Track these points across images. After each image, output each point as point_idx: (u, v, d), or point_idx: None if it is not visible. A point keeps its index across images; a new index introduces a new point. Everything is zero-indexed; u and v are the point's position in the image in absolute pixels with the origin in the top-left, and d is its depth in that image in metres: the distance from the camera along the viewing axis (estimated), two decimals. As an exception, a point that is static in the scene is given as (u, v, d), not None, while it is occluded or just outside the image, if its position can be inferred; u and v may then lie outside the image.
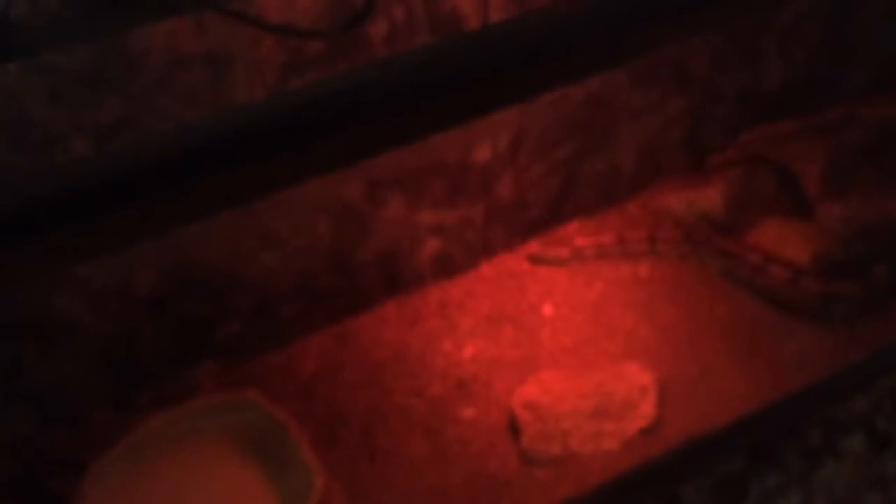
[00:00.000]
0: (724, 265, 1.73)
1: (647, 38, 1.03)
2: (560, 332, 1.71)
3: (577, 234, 1.88)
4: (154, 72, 1.32)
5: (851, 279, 1.61)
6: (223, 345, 1.72)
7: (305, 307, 1.77)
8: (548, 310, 1.75)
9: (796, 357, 1.60)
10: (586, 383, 1.52)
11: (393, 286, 1.84)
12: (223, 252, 1.61)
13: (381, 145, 1.01)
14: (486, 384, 1.61)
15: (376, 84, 1.03)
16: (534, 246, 1.86)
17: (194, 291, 1.63)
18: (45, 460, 1.55)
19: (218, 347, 1.72)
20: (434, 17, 1.48)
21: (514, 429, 1.50)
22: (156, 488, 1.43)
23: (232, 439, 1.49)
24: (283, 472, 1.40)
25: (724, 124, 2.01)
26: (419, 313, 1.79)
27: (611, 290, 1.79)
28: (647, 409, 1.47)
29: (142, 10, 1.23)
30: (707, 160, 1.96)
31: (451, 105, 1.13)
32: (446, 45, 1.15)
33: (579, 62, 1.03)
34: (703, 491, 1.74)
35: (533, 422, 1.48)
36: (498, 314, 1.76)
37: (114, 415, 1.62)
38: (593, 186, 1.95)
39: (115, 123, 1.32)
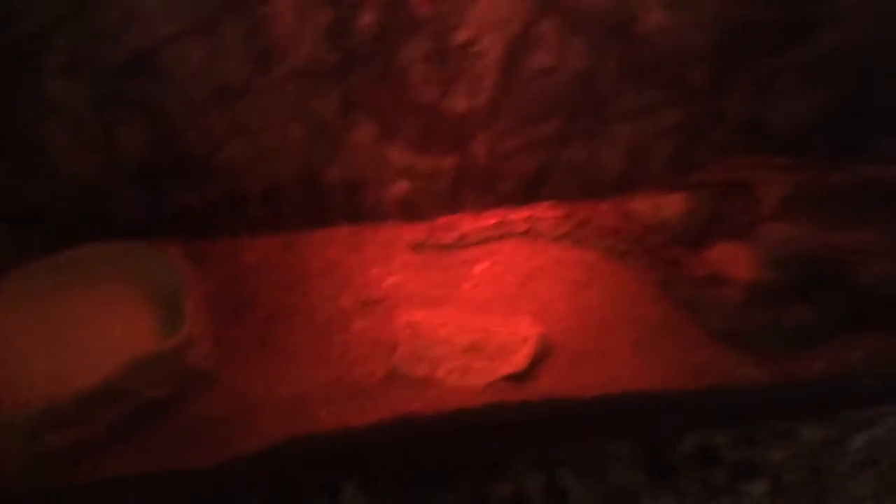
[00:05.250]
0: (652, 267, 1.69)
1: None
2: (483, 286, 1.68)
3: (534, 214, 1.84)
4: None
5: (771, 309, 1.53)
6: (185, 222, 1.79)
7: (269, 212, 1.82)
8: (481, 268, 1.74)
9: (696, 365, 1.53)
10: (473, 320, 1.49)
11: (354, 214, 1.87)
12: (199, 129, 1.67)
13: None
14: (391, 307, 1.61)
15: None
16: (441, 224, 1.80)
17: (172, 165, 1.70)
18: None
19: (179, 224, 1.78)
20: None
21: (393, 345, 1.49)
22: (59, 302, 1.49)
23: (144, 284, 1.54)
24: (174, 320, 1.44)
25: (721, 148, 1.95)
26: (365, 242, 1.81)
27: (550, 266, 1.76)
28: (519, 359, 1.43)
29: None
30: (690, 176, 1.90)
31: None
32: None
33: None
34: (595, 495, 1.68)
35: (408, 340, 1.46)
36: (435, 260, 1.76)
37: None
38: (572, 175, 1.93)
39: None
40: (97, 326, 1.46)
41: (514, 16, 1.60)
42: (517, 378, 1.41)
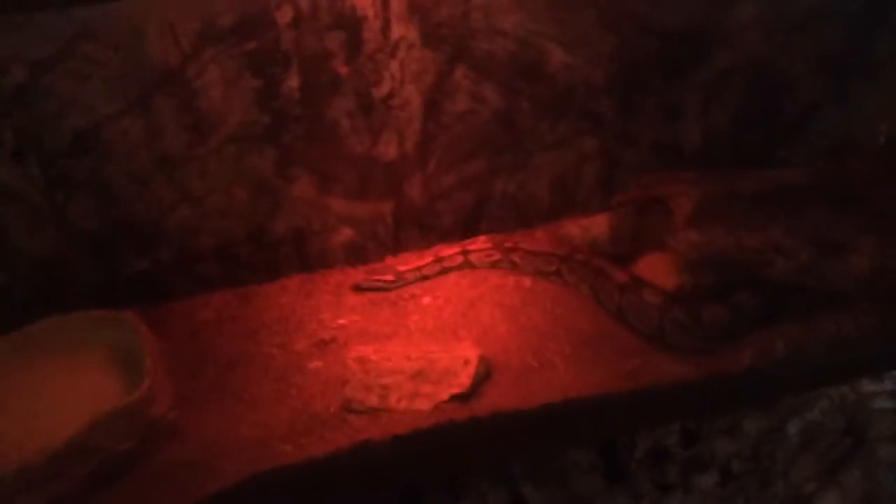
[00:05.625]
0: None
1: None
2: (428, 317, 1.78)
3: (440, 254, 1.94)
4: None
5: (689, 309, 1.63)
6: (141, 288, 1.86)
7: (222, 270, 1.91)
8: (427, 301, 1.84)
9: (632, 370, 1.62)
10: (417, 350, 1.58)
11: (304, 264, 1.96)
12: (146, 198, 1.77)
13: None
14: (342, 346, 1.69)
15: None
16: (361, 274, 1.91)
17: (124, 235, 1.78)
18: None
19: (136, 290, 1.86)
20: (336, 13, 1.64)
21: (345, 380, 1.57)
22: (24, 375, 1.56)
23: (106, 350, 1.62)
24: (137, 379, 1.50)
25: (639, 169, 2.07)
26: (316, 288, 1.90)
27: (490, 293, 1.86)
28: (463, 379, 1.52)
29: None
30: (613, 198, 2.02)
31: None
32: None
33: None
34: (554, 501, 1.76)
35: (359, 374, 1.55)
36: (382, 298, 1.85)
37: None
38: (505, 208, 2.04)
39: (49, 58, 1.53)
40: (64, 394, 1.53)
41: (429, 67, 1.73)
42: (463, 398, 1.50)
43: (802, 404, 1.81)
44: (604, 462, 1.89)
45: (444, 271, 1.85)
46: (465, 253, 1.85)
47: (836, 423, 1.82)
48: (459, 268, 1.87)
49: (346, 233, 1.94)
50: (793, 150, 2.15)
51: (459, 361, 1.53)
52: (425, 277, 1.84)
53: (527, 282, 1.87)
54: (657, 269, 1.77)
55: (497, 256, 1.85)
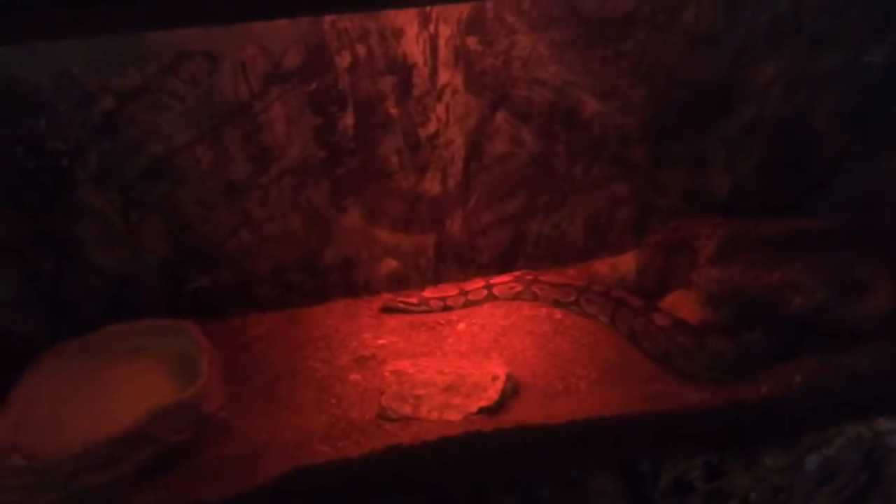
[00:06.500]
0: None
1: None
2: (463, 341, 1.87)
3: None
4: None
5: (695, 336, 1.70)
6: (200, 305, 1.99)
7: (275, 292, 2.03)
8: (462, 326, 1.93)
9: (652, 395, 1.69)
10: (450, 365, 1.67)
11: (350, 289, 2.08)
12: (211, 222, 1.91)
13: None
14: (381, 362, 1.79)
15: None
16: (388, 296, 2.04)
17: (188, 255, 1.92)
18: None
19: (195, 307, 1.99)
20: (389, 59, 1.78)
21: (381, 390, 1.67)
22: (91, 374, 1.69)
23: (166, 354, 1.74)
24: (192, 382, 1.62)
25: (670, 214, 2.16)
26: (360, 312, 2.01)
27: (523, 322, 1.95)
28: (492, 394, 1.60)
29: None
30: (644, 240, 2.11)
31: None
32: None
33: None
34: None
35: (394, 385, 1.64)
36: (420, 322, 1.96)
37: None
38: (541, 246, 2.14)
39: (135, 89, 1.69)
40: (128, 391, 1.65)
41: (472, 111, 1.86)
42: (490, 410, 1.58)
43: (820, 441, 1.83)
44: (628, 491, 1.93)
45: (468, 304, 1.96)
46: (488, 286, 1.96)
47: (853, 460, 1.84)
48: (485, 300, 1.97)
49: (390, 263, 2.05)
50: (820, 202, 2.21)
51: (489, 377, 1.61)
52: (448, 308, 1.95)
53: (558, 314, 1.96)
54: (682, 306, 1.85)
55: (519, 288, 1.96)
